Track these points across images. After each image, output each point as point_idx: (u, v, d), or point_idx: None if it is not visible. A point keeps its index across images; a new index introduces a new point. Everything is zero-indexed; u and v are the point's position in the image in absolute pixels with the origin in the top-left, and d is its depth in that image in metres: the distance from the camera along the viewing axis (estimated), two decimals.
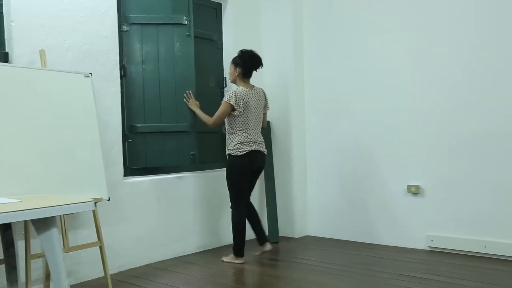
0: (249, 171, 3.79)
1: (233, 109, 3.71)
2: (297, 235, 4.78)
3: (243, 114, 3.71)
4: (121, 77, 3.72)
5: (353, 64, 4.51)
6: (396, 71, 4.23)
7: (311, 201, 4.87)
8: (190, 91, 3.92)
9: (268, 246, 3.99)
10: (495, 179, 3.75)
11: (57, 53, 3.30)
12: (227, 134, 3.86)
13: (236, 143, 3.72)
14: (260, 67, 3.88)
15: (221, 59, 4.69)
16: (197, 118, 3.91)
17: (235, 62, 3.83)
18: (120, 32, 3.74)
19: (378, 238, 4.37)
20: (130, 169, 3.83)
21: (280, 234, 4.77)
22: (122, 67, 3.75)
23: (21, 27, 3.13)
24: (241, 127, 3.73)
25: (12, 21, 3.09)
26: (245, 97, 3.70)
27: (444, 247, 3.98)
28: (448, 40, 3.95)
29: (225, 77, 4.65)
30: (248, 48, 3.88)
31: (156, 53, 3.85)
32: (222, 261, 3.89)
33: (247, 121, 3.74)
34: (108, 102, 3.60)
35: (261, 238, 3.99)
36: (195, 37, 4.11)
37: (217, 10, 4.66)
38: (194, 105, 3.91)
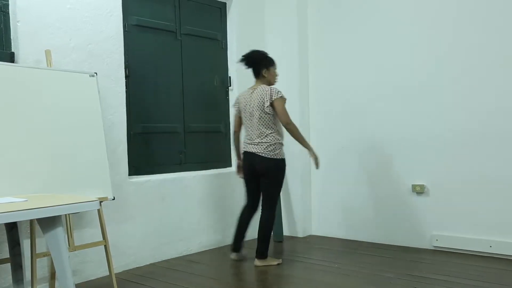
0: (247, 172, 3.77)
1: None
2: (301, 234, 4.77)
3: (241, 115, 3.80)
4: (125, 77, 3.74)
5: (358, 63, 4.50)
6: (400, 70, 4.22)
7: (316, 200, 4.86)
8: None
9: (243, 255, 3.92)
10: (500, 178, 3.73)
11: (62, 53, 3.31)
12: None
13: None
14: (251, 63, 3.77)
15: (226, 59, 4.69)
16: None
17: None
18: (125, 32, 3.75)
19: (383, 238, 4.36)
20: (135, 168, 3.85)
21: (284, 234, 4.76)
22: (127, 67, 3.77)
23: (27, 27, 3.14)
24: (243, 128, 3.83)
25: (18, 21, 3.10)
26: (239, 98, 3.82)
27: (449, 246, 3.97)
28: (455, 38, 3.93)
29: (230, 77, 4.65)
30: (253, 46, 3.91)
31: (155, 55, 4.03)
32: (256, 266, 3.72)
33: (244, 122, 3.80)
34: (113, 101, 3.61)
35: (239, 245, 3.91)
36: (199, 36, 4.38)
37: (222, 10, 4.66)
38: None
